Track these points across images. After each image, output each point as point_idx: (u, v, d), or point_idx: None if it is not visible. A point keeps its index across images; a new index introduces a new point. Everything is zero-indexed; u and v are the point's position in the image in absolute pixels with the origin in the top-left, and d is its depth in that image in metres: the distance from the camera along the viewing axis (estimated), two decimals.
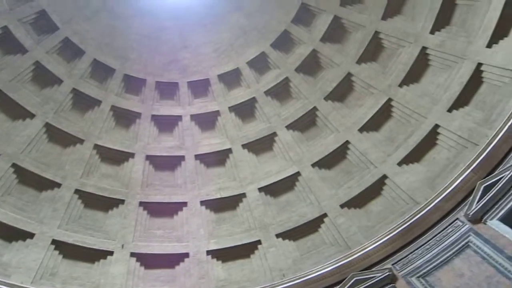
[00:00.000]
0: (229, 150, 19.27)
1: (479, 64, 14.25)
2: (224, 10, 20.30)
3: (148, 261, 15.56)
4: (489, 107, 13.87)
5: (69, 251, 14.97)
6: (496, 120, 13.32)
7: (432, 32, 15.86)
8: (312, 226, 16.22)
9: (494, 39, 13.84)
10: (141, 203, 17.31)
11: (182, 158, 19.05)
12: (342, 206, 16.12)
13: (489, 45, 13.96)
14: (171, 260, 15.74)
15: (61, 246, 14.93)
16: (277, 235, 16.23)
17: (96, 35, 19.60)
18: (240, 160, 18.91)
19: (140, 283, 14.86)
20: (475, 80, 14.45)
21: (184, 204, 17.63)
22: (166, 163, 18.94)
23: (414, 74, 16.52)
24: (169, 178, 18.69)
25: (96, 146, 18.22)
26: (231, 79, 20.85)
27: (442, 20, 15.66)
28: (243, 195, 17.82)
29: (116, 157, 18.50)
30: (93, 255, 15.18)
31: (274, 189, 17.81)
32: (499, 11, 13.60)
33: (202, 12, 20.33)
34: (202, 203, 17.70)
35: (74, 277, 14.46)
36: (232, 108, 20.33)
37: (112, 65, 19.90)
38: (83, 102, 18.99)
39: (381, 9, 17.46)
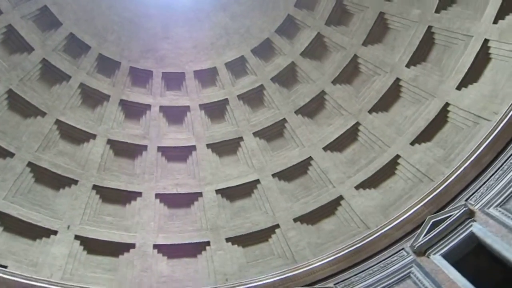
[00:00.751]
0: (193, 147, 19.12)
1: (447, 104, 14.81)
2: (211, 8, 20.26)
3: (92, 246, 15.17)
4: (450, 147, 14.38)
5: (11, 224, 14.38)
6: (454, 160, 13.84)
7: (408, 66, 16.34)
8: (263, 235, 16.27)
9: (464, 83, 14.46)
10: (95, 187, 16.87)
11: (144, 147, 18.74)
12: (295, 220, 16.25)
13: (459, 87, 14.57)
14: (116, 249, 15.41)
15: (3, 218, 14.33)
16: (227, 239, 16.19)
17: (77, 9, 19.08)
18: (203, 159, 18.79)
19: (80, 268, 14.46)
20: (441, 118, 14.99)
21: (139, 194, 17.31)
22: (127, 150, 18.57)
23: (385, 103, 16.96)
24: (127, 165, 18.34)
25: (58, 122, 17.67)
26: (206, 77, 20.74)
27: (419, 56, 16.21)
28: (199, 194, 17.69)
29: (76, 136, 17.99)
30: (36, 232, 14.67)
31: (231, 193, 17.78)
32: (472, 57, 14.21)
33: (188, 6, 20.22)
34: (157, 196, 17.44)
35: (12, 252, 13.89)
36: (203, 106, 20.20)
37: (88, 42, 19.39)
38: (51, 75, 18.38)
39: (364, 35, 17.88)
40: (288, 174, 17.85)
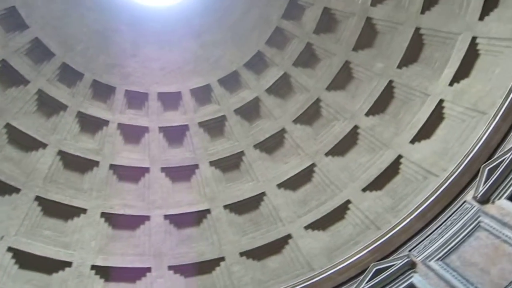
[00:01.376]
0: (146, 169, 18.67)
1: (400, 156, 15.39)
2: (183, 32, 20.27)
3: (25, 260, 14.33)
4: (399, 197, 14.84)
5: None
6: (401, 210, 14.27)
7: (367, 115, 16.93)
8: (206, 266, 15.92)
9: (418, 138, 15.18)
10: (38, 198, 16.04)
11: (96, 163, 18.10)
12: (241, 254, 16.08)
13: (412, 142, 15.24)
14: (51, 266, 14.63)
15: None
16: (170, 267, 15.74)
17: (46, 14, 18.47)
18: (155, 182, 18.37)
19: (9, 282, 13.57)
20: (393, 169, 15.50)
21: (83, 211, 16.57)
22: (77, 164, 17.85)
23: (341, 148, 17.37)
24: (76, 180, 17.59)
25: (8, 126, 16.81)
26: (170, 100, 20.45)
27: (378, 107, 16.86)
28: (147, 217, 17.17)
29: (26, 143, 17.15)
30: None
31: (180, 220, 17.36)
32: (427, 114, 15.00)
33: (160, 28, 20.15)
34: (103, 214, 16.76)
35: None
36: (162, 129, 19.86)
37: (53, 49, 18.73)
38: (9, 77, 17.56)
39: (328, 80, 18.44)
40: (240, 207, 17.72)
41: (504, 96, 12.39)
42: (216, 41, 20.40)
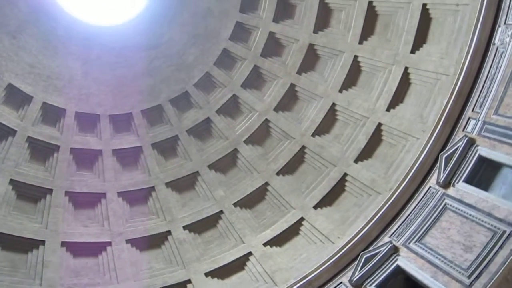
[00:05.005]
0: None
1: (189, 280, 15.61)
2: (76, 50, 19.12)
3: None
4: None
5: None
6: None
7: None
8: None
9: (213, 273, 15.73)
10: None
11: None
12: None
13: (206, 275, 15.72)
14: None
15: None
16: None
17: None
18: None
19: None
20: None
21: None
22: None
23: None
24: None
25: None
26: (16, 98, 18.08)
27: (198, 227, 17.28)
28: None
29: None
30: None
31: None
32: (232, 258, 15.87)
33: (58, 31, 18.70)
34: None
35: None
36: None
37: None
38: None
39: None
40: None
41: (298, 279, 13.74)
42: (100, 78, 19.58)
